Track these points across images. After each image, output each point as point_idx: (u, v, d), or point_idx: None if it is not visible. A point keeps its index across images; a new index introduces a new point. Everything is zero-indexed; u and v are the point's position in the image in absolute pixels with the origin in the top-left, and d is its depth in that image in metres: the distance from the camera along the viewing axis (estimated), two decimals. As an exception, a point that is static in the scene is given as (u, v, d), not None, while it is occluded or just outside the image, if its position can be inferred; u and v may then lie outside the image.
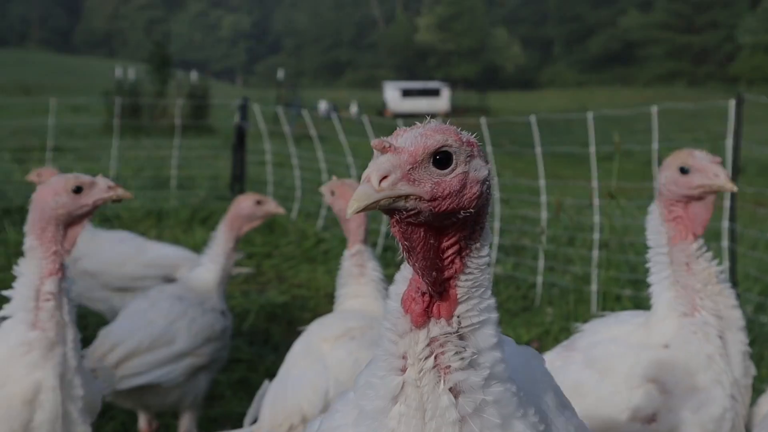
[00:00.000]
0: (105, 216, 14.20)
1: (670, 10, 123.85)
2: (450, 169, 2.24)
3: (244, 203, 6.95)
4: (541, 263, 10.66)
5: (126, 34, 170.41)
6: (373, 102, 77.21)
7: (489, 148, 11.49)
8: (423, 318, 2.38)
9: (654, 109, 10.09)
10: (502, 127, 33.03)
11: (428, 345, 2.37)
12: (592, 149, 10.26)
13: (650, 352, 4.29)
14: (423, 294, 2.38)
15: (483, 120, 11.48)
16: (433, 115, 2.44)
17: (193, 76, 42.60)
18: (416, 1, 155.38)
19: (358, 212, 2.19)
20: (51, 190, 4.21)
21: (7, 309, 4.20)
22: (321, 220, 14.48)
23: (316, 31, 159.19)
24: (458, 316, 2.37)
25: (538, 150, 10.83)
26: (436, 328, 2.37)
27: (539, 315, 9.82)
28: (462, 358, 2.36)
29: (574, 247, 11.85)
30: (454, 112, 69.96)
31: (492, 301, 2.41)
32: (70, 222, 4.26)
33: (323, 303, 10.18)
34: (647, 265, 4.53)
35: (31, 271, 4.15)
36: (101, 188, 4.33)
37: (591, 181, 10.48)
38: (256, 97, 30.16)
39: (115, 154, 16.94)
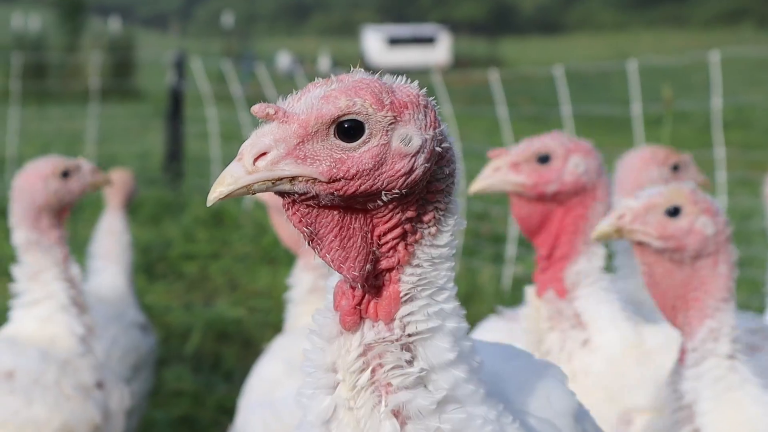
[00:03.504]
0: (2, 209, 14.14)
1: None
2: (360, 141, 2.23)
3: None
4: (572, 259, 10.67)
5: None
6: (349, 53, 77.19)
7: (503, 110, 11.50)
8: (353, 318, 2.36)
9: (715, 57, 10.10)
10: (518, 83, 33.07)
11: (362, 354, 2.35)
12: (636, 109, 10.27)
13: None
14: (353, 287, 2.37)
15: (493, 73, 11.47)
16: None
17: (114, 24, 42.60)
18: None
19: (222, 199, 2.20)
20: (39, 176, 4.86)
21: (46, 306, 4.98)
22: (284, 208, 14.47)
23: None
24: (401, 320, 2.35)
25: (566, 110, 10.84)
26: (372, 332, 2.35)
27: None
28: (405, 374, 2.34)
29: (616, 237, 11.87)
30: (457, 65, 70.02)
31: (450, 306, 2.39)
32: (60, 209, 4.93)
33: (289, 316, 10.17)
34: None
35: (46, 263, 4.89)
36: (86, 172, 4.99)
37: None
38: (196, 49, 30.19)
39: (14, 127, 16.90)
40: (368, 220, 2.32)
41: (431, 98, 2.35)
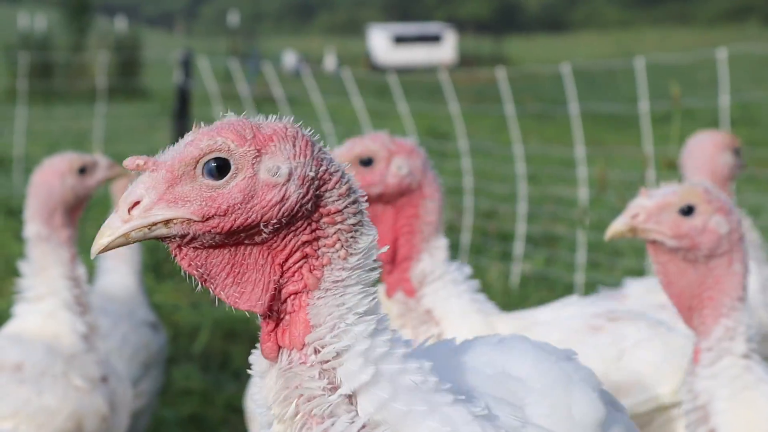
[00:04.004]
0: (9, 209, 14.17)
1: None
2: (227, 178, 2.30)
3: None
4: (580, 257, 10.66)
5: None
6: (355, 52, 77.18)
7: (510, 108, 11.48)
8: (271, 347, 2.42)
9: (722, 54, 10.07)
10: (524, 81, 33.04)
11: (284, 386, 2.39)
12: (644, 106, 10.24)
13: None
14: (265, 317, 2.42)
15: (500, 71, 11.45)
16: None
17: (120, 24, 42.58)
18: None
19: (105, 251, 2.28)
20: (55, 172, 4.95)
21: (49, 302, 5.04)
22: (292, 207, 14.48)
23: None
24: (312, 346, 2.38)
25: (574, 108, 10.81)
26: (286, 361, 2.40)
27: (580, 323, 9.82)
28: (324, 403, 2.36)
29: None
30: (463, 63, 69.98)
31: (361, 328, 2.39)
32: (75, 206, 5.01)
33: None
34: None
35: (52, 260, 4.95)
36: (103, 167, 5.11)
37: (643, 148, 10.47)
38: (203, 48, 30.18)
39: (20, 127, 16.90)
40: (264, 252, 2.37)
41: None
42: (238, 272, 2.36)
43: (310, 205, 2.35)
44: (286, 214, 2.32)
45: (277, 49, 64.15)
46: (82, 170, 4.97)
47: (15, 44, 30.80)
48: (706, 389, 3.70)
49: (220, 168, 2.29)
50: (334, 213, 2.38)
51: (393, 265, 4.16)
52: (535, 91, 32.50)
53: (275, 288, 2.38)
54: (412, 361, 2.45)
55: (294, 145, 2.35)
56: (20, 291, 5.12)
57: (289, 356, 2.38)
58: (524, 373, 2.73)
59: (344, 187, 2.40)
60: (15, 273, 4.06)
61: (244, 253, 2.36)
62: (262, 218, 2.30)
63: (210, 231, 2.29)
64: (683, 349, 4.17)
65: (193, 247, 2.33)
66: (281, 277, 2.38)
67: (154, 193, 2.28)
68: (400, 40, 77.26)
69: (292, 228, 2.35)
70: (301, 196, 2.33)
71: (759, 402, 3.69)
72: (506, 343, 2.87)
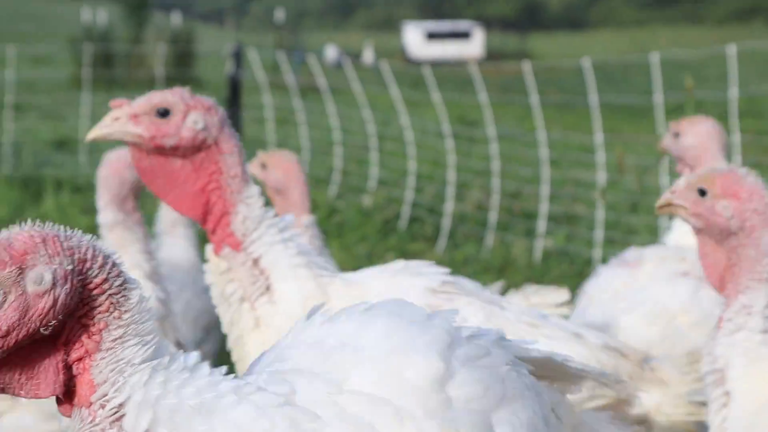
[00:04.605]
0: (76, 186, 14.27)
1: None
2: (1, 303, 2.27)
3: None
4: (598, 234, 10.65)
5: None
6: (391, 47, 76.92)
7: (534, 98, 11.50)
8: (67, 409, 2.44)
9: (731, 50, 10.04)
10: (546, 74, 32.91)
11: None
12: (658, 97, 10.23)
13: None
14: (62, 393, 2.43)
15: (527, 66, 11.45)
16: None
17: (175, 18, 42.56)
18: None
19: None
20: (125, 163, 4.92)
21: (133, 274, 4.99)
22: (333, 187, 14.50)
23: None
24: (98, 403, 2.39)
25: (593, 98, 10.81)
26: (77, 420, 2.42)
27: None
28: None
29: (638, 215, 11.84)
30: (489, 58, 69.72)
31: (136, 379, 2.40)
32: (140, 191, 5.11)
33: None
34: None
35: (130, 239, 5.03)
36: None
37: (656, 136, 10.44)
38: (251, 42, 30.15)
39: (85, 112, 16.98)
40: (49, 344, 2.36)
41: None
42: (30, 369, 2.36)
43: (77, 292, 2.35)
44: (63, 311, 2.32)
45: (320, 44, 64.02)
46: None
47: (79, 37, 30.82)
48: (723, 355, 3.70)
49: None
50: (101, 283, 2.38)
51: (213, 224, 3.94)
52: (557, 84, 32.41)
53: (64, 365, 2.38)
54: (190, 385, 2.47)
55: (46, 248, 2.32)
56: None
57: (80, 414, 2.40)
58: (366, 341, 2.71)
59: (100, 258, 2.40)
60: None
61: (29, 355, 2.35)
62: (42, 324, 2.30)
63: None
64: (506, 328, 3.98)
65: None
66: (65, 353, 2.38)
67: None
68: (432, 36, 76.99)
69: (67, 315, 2.35)
70: (68, 290, 2.32)
71: None
72: (369, 311, 2.85)
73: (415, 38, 76.63)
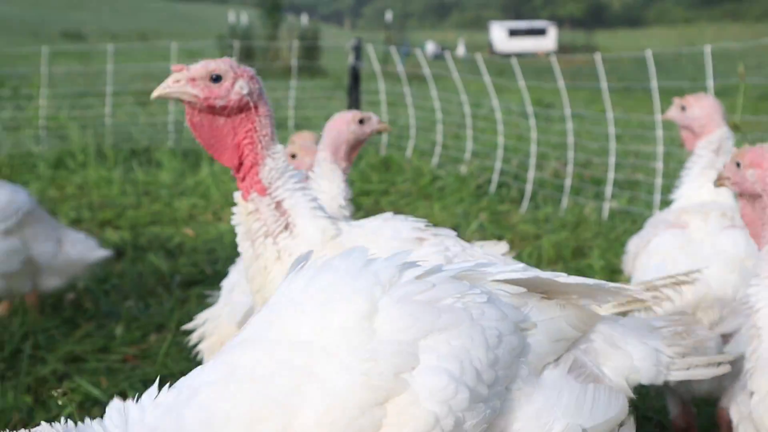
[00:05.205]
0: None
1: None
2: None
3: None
4: (656, 197, 10.55)
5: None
6: (479, 42, 76.55)
7: (603, 84, 11.39)
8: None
9: (770, 42, 9.84)
10: (609, 64, 32.53)
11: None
12: (710, 83, 10.07)
13: None
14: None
15: (597, 56, 11.35)
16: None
17: (303, 19, 42.80)
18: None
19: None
20: (344, 120, 5.08)
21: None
22: (436, 158, 14.51)
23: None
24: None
25: (654, 84, 10.70)
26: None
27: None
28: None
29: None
30: (561, 51, 69.07)
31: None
32: (354, 146, 5.14)
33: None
34: None
35: (331, 176, 5.00)
36: (374, 121, 5.17)
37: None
38: (365, 39, 30.19)
39: (234, 97, 17.16)
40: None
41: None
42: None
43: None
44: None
45: (421, 40, 63.94)
46: (361, 121, 5.10)
47: (225, 34, 31.20)
48: (755, 292, 3.70)
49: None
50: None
51: (243, 173, 3.96)
52: (617, 73, 32.00)
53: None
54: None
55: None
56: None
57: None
58: (306, 297, 2.81)
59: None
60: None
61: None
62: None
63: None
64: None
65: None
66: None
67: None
68: (513, 33, 76.49)
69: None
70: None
71: None
72: (319, 268, 2.91)
73: (499, 35, 76.19)
